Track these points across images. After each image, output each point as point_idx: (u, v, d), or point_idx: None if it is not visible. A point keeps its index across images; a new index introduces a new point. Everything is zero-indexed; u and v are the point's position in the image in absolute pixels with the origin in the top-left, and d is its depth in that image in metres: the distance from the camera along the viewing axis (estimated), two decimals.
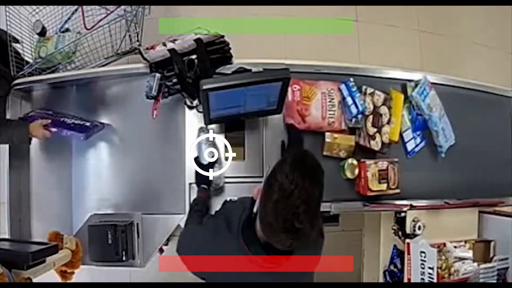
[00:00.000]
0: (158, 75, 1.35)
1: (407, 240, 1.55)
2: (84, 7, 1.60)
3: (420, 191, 1.60)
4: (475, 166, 1.72)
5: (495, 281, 1.61)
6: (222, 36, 1.40)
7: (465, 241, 1.64)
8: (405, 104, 1.61)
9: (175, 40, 1.39)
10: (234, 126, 1.47)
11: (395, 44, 2.79)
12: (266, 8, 2.55)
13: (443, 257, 1.57)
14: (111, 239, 1.40)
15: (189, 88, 1.40)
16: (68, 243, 1.39)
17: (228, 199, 1.17)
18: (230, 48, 1.44)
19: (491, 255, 1.69)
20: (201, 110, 1.39)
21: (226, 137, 1.48)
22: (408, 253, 1.54)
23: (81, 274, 1.45)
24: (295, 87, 1.44)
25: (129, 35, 1.79)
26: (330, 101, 1.45)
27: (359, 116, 1.48)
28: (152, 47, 1.41)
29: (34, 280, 1.15)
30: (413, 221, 1.57)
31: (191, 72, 1.36)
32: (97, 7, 1.64)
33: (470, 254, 1.60)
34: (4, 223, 1.50)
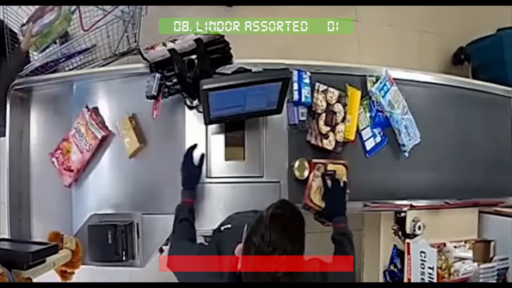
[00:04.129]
0: (158, 75, 1.35)
1: (407, 240, 1.56)
2: (82, 8, 1.60)
3: (377, 191, 1.56)
4: (474, 166, 1.72)
5: (495, 281, 1.61)
6: (222, 36, 1.40)
7: (465, 241, 1.64)
8: (365, 100, 1.55)
9: (175, 40, 1.39)
10: (234, 126, 1.47)
11: (395, 44, 2.79)
12: (266, 8, 2.55)
13: (443, 257, 1.57)
14: (111, 239, 1.40)
15: (189, 88, 1.40)
16: (68, 243, 1.39)
17: (222, 228, 1.12)
18: (230, 48, 1.44)
19: (491, 255, 1.69)
20: (201, 110, 1.39)
21: (226, 137, 1.48)
22: (408, 253, 1.54)
23: (81, 274, 1.45)
24: (57, 155, 1.49)
25: (127, 36, 1.79)
26: (80, 136, 1.45)
27: (302, 111, 1.44)
28: (152, 47, 1.41)
29: (34, 280, 1.15)
30: (413, 221, 1.57)
31: (191, 72, 1.36)
32: (95, 8, 1.64)
33: (470, 254, 1.61)
34: (4, 223, 1.50)
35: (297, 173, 1.44)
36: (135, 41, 1.88)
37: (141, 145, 1.44)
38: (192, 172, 1.35)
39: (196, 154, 1.38)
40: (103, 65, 1.75)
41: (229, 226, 1.10)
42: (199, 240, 1.34)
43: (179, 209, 1.31)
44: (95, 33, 1.60)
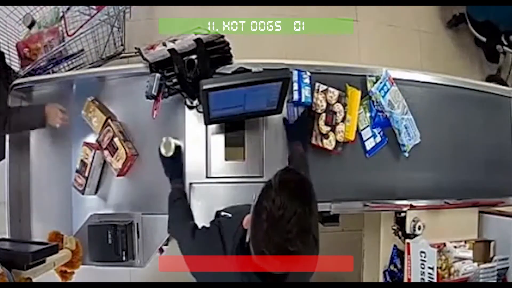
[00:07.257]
0: (158, 75, 1.35)
1: (407, 240, 1.56)
2: (69, 14, 1.61)
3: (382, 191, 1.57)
4: (474, 166, 1.72)
5: (495, 281, 1.61)
6: (222, 36, 1.41)
7: (465, 241, 1.64)
8: (365, 100, 1.55)
9: (175, 40, 1.39)
10: (234, 126, 1.47)
11: (395, 44, 2.79)
12: (266, 8, 2.55)
13: (443, 257, 1.57)
14: (111, 239, 1.40)
15: (189, 88, 1.40)
16: (68, 243, 1.39)
17: (222, 213, 1.15)
18: (230, 48, 1.44)
19: (491, 255, 1.69)
20: (201, 110, 1.39)
21: (226, 137, 1.48)
22: (408, 253, 1.54)
23: (81, 274, 1.45)
24: None
25: (113, 40, 1.80)
26: None
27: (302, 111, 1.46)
28: (152, 47, 1.41)
29: (34, 280, 1.15)
30: (413, 221, 1.57)
31: (191, 72, 1.36)
32: (82, 14, 1.65)
33: (470, 254, 1.60)
34: (4, 223, 1.50)
35: None
36: (122, 45, 1.88)
37: (107, 116, 1.45)
38: (167, 163, 1.40)
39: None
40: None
41: (229, 215, 1.11)
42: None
43: (170, 195, 1.36)
44: (81, 38, 1.61)
